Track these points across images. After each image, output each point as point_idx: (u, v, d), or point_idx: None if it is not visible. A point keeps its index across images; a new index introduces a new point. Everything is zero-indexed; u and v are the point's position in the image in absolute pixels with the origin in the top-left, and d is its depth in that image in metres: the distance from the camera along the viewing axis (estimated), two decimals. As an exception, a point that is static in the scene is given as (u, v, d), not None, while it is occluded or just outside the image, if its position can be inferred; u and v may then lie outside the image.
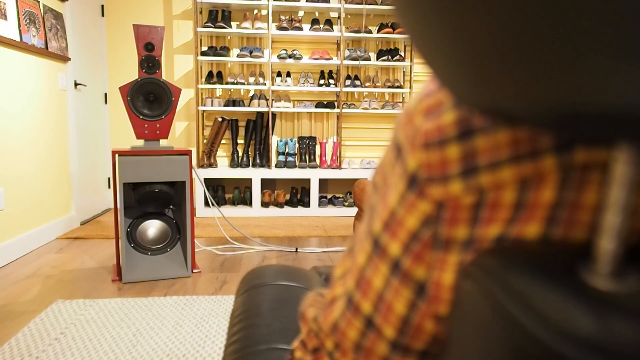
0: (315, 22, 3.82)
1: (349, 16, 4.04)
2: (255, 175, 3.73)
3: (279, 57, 3.77)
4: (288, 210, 3.84)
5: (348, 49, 3.89)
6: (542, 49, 0.13)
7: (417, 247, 0.26)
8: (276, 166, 3.87)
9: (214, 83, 3.84)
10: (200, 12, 3.91)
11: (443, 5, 0.16)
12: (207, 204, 3.80)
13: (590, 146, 0.20)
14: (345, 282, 0.31)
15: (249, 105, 3.86)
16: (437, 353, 0.29)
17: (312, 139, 3.99)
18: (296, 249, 2.74)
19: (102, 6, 3.84)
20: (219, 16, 3.90)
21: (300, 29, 3.75)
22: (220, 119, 3.80)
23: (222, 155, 4.06)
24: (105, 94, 3.93)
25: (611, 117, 0.14)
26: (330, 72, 3.98)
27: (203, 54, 3.69)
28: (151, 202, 2.19)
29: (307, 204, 3.87)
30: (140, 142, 3.94)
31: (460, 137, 0.23)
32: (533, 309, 0.17)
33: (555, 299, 0.17)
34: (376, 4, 3.79)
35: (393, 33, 3.80)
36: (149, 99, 2.18)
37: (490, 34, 0.15)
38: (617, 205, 0.17)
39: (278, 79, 3.92)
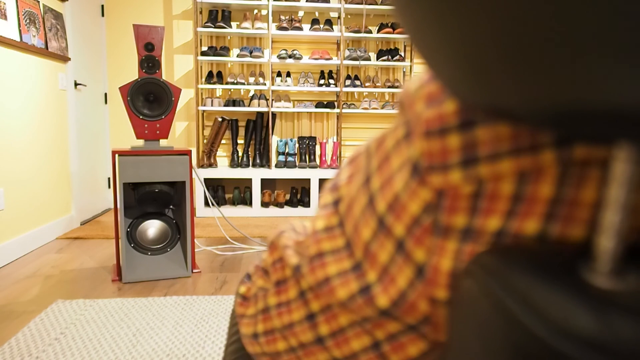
0: (315, 22, 3.82)
1: (349, 16, 4.04)
2: (255, 175, 3.73)
3: (279, 57, 3.77)
4: (288, 210, 3.84)
5: (348, 49, 3.89)
6: (542, 48, 0.14)
7: (418, 231, 0.26)
8: (276, 166, 3.87)
9: (214, 83, 3.84)
10: (200, 12, 3.91)
11: (442, 4, 0.16)
12: (207, 204, 3.80)
13: (590, 144, 0.20)
14: (353, 253, 0.31)
15: (249, 105, 3.86)
16: (430, 351, 0.30)
17: (312, 139, 3.99)
18: (296, 249, 2.74)
19: (102, 6, 3.84)
20: (219, 16, 3.90)
21: (300, 29, 3.75)
22: (220, 119, 3.80)
23: (222, 155, 4.06)
24: (105, 94, 3.94)
25: (611, 115, 0.14)
26: (330, 72, 3.98)
27: (203, 54, 3.69)
28: (151, 202, 2.19)
29: (307, 204, 3.87)
30: (140, 142, 3.95)
31: (461, 127, 0.23)
32: (533, 307, 0.17)
33: (555, 298, 0.17)
34: (376, 4, 3.79)
35: (393, 33, 3.80)
36: (149, 99, 2.19)
37: (490, 32, 0.15)
38: (616, 204, 0.17)
39: (278, 79, 3.92)
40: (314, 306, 0.34)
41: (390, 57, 3.87)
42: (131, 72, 3.94)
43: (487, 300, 0.20)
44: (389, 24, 3.89)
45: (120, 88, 2.11)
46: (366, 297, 0.30)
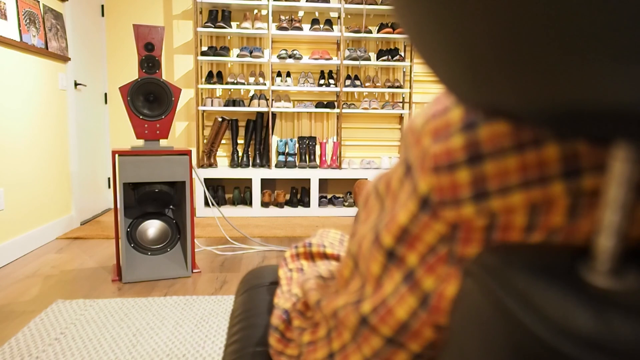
0: (315, 22, 3.82)
1: (349, 16, 4.04)
2: (255, 175, 3.73)
3: (279, 57, 3.77)
4: (288, 210, 3.84)
5: (348, 49, 3.89)
6: (542, 48, 0.14)
7: (432, 259, 0.26)
8: (276, 166, 3.87)
9: (214, 83, 3.84)
10: (200, 12, 3.91)
11: (442, 4, 0.16)
12: (207, 204, 3.80)
13: (589, 143, 0.20)
14: (364, 291, 0.32)
15: (249, 105, 3.86)
16: (433, 357, 0.30)
17: (312, 139, 3.99)
18: (296, 249, 2.74)
19: (102, 6, 3.84)
20: (219, 16, 3.90)
21: (300, 29, 3.75)
22: (220, 119, 3.80)
23: (222, 155, 4.06)
24: (105, 94, 3.93)
25: (611, 115, 0.14)
26: (330, 72, 3.98)
27: (203, 54, 3.69)
28: (151, 202, 2.19)
29: (307, 204, 3.87)
30: (140, 142, 3.94)
31: (470, 162, 0.23)
32: (533, 306, 0.17)
33: (555, 297, 0.17)
34: (376, 4, 3.79)
35: (393, 33, 3.80)
36: (149, 99, 2.18)
37: (489, 33, 0.15)
38: (615, 203, 0.17)
39: (278, 79, 3.92)
40: (335, 345, 0.35)
41: (390, 57, 3.87)
42: (131, 72, 3.94)
43: (486, 299, 0.20)
44: (389, 24, 3.88)
45: (120, 88, 2.10)
46: (367, 329, 0.30)
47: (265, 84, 3.77)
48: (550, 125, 0.16)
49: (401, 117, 4.18)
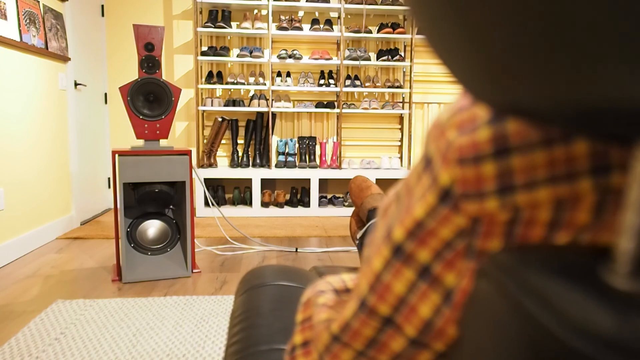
0: (315, 22, 3.82)
1: (349, 16, 4.04)
2: (255, 175, 3.73)
3: (279, 57, 3.77)
4: (288, 210, 3.83)
5: (348, 49, 3.89)
6: (564, 46, 0.13)
7: (450, 255, 0.26)
8: (276, 166, 3.87)
9: (214, 83, 3.84)
10: (200, 12, 3.90)
11: (459, 3, 0.16)
12: (207, 204, 3.80)
13: (610, 143, 0.20)
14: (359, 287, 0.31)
15: (249, 105, 3.86)
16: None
17: (312, 139, 3.99)
18: (296, 249, 2.74)
19: (102, 6, 3.84)
20: (219, 16, 3.90)
21: (300, 29, 3.75)
22: (220, 119, 3.80)
23: (222, 155, 4.05)
24: (105, 94, 3.93)
25: (633, 114, 0.14)
26: (330, 72, 3.98)
27: (203, 54, 3.68)
28: (151, 202, 2.19)
29: (307, 204, 3.87)
30: (140, 142, 3.94)
31: (496, 155, 0.23)
32: (552, 307, 0.17)
33: (574, 298, 0.17)
34: (376, 4, 3.79)
35: (393, 33, 3.80)
36: (149, 99, 2.18)
37: (509, 30, 0.14)
38: (637, 204, 0.17)
39: (278, 79, 3.92)
40: None
41: (390, 57, 3.87)
42: (131, 72, 3.93)
43: (503, 299, 0.19)
44: (389, 24, 3.88)
45: (120, 88, 2.10)
46: (393, 328, 0.29)
47: (265, 84, 3.76)
48: (569, 125, 0.16)
49: (401, 117, 4.18)
